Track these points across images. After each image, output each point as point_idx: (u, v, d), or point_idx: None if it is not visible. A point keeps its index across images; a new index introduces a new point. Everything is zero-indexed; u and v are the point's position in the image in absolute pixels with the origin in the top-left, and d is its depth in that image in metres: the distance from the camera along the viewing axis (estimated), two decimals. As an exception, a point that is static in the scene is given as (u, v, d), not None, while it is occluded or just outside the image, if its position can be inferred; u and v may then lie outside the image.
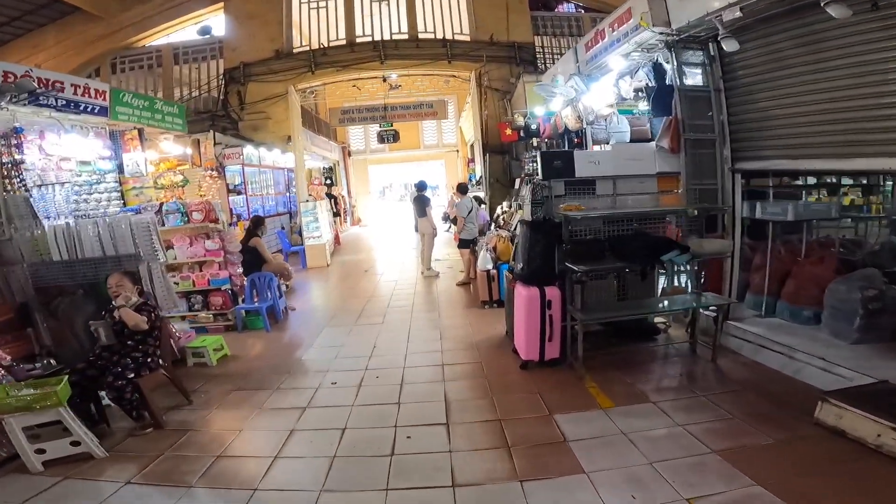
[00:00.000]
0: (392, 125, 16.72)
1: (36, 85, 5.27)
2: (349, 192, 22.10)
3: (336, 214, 19.50)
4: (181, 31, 15.42)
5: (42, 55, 14.81)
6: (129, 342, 3.92)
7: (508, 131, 11.70)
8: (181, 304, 6.58)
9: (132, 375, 3.74)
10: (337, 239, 15.19)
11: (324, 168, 21.15)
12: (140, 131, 7.04)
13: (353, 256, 12.83)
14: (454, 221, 15.62)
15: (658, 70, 5.25)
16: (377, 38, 14.34)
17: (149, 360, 3.96)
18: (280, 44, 14.22)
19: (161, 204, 6.41)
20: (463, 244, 8.40)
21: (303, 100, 15.71)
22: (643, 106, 6.47)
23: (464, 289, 8.23)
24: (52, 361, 4.40)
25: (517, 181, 10.19)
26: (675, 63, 4.90)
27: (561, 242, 4.17)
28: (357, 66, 14.52)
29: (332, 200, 19.32)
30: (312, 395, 4.44)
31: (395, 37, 14.38)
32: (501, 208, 9.49)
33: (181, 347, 5.45)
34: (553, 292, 4.28)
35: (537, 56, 14.60)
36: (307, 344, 5.94)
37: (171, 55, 15.07)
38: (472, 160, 20.35)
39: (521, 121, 10.28)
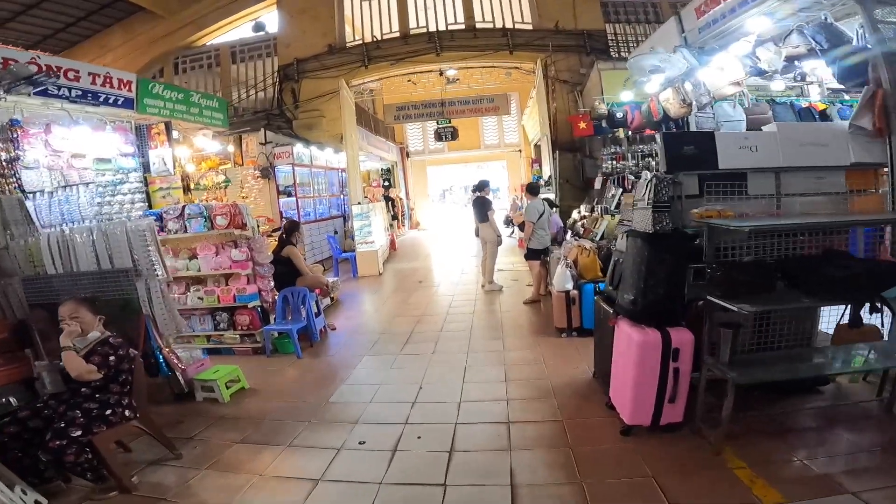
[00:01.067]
0: (450, 121, 15.59)
1: (34, 70, 4.50)
2: (407, 195, 21.21)
3: (394, 218, 18.66)
4: (237, 29, 15.13)
5: (110, 56, 14.96)
6: (82, 389, 2.93)
7: (582, 125, 10.20)
8: (206, 323, 5.71)
9: (78, 433, 2.74)
10: (392, 244, 14.23)
11: (382, 169, 20.40)
12: (167, 125, 6.25)
13: (408, 264, 11.75)
14: (520, 227, 14.28)
15: (831, 31, 3.70)
16: (432, 29, 13.37)
17: (109, 411, 2.95)
18: (332, 38, 13.52)
19: (183, 207, 5.53)
20: (532, 254, 7.04)
21: (357, 97, 14.93)
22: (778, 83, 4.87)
23: (532, 308, 6.88)
24: (11, 400, 3.51)
25: (597, 181, 8.69)
26: (868, 19, 3.34)
27: (695, 264, 2.77)
28: (412, 60, 13.56)
29: (390, 203, 18.51)
30: (331, 461, 3.28)
31: (450, 27, 13.41)
32: (579, 213, 8.03)
33: (189, 379, 4.50)
34: (682, 336, 2.88)
35: (610, 45, 13.09)
36: (340, 378, 4.82)
37: (228, 54, 14.82)
38: (537, 160, 19.05)
39: (602, 109, 8.77)
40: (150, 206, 6.13)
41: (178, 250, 5.81)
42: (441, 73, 14.59)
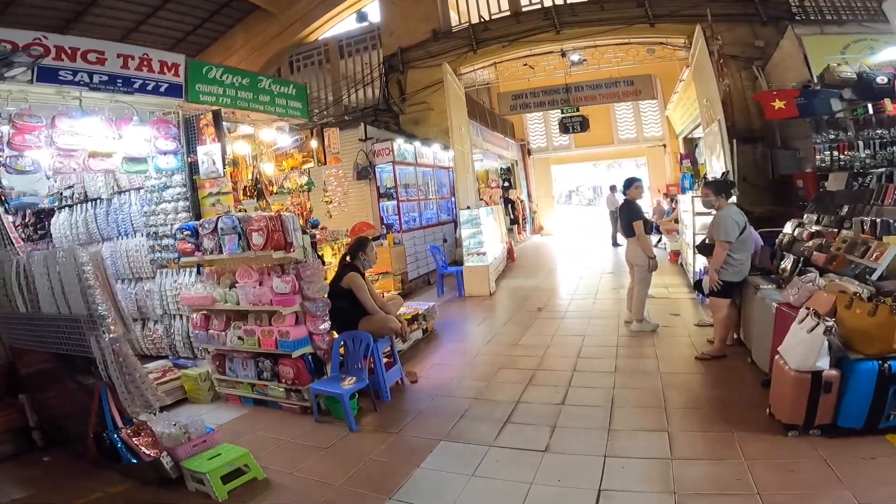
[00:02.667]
0: (578, 109, 13.15)
1: (9, 48, 3.37)
2: (530, 196, 19.03)
3: (514, 222, 16.65)
4: (343, 23, 14.40)
5: (235, 57, 15.21)
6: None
7: (778, 104, 7.46)
8: (249, 369, 4.29)
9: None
10: (511, 254, 12.23)
11: (501, 169, 18.51)
12: (215, 115, 4.98)
13: (527, 281, 9.66)
14: (655, 229, 11.48)
15: None
16: (548, 3, 11.17)
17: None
18: (436, 23, 12.02)
19: (217, 219, 4.15)
20: (724, 290, 4.53)
21: (468, 86, 13.23)
22: None
23: (713, 368, 4.46)
24: None
25: (836, 179, 5.96)
26: None
27: None
28: (526, 40, 11.57)
29: (510, 206, 16.54)
30: None
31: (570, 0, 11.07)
32: (799, 227, 5.26)
33: (176, 464, 3.01)
34: None
35: (794, 10, 9.94)
36: (391, 485, 3.01)
37: (336, 49, 14.18)
38: (687, 156, 15.90)
39: (846, 72, 6.16)
40: (197, 217, 4.91)
41: (222, 273, 4.48)
42: (563, 55, 12.28)
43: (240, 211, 5.12)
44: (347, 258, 4.64)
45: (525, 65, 12.65)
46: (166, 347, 5.31)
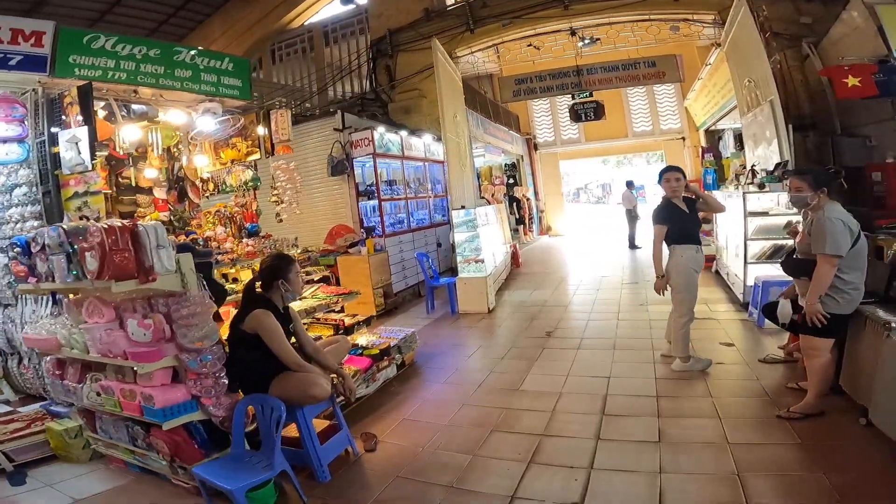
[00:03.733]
0: (591, 95, 11.66)
1: None
2: (537, 194, 17.58)
3: (519, 222, 15.24)
4: (328, 7, 13.01)
5: (214, 47, 13.97)
6: None
7: (851, 81, 6.03)
8: (121, 432, 2.91)
9: None
10: (515, 258, 10.80)
11: (505, 164, 17.09)
12: (83, 90, 3.60)
13: (535, 292, 8.20)
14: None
15: None
16: None
17: None
18: (429, 1, 10.58)
19: (45, 232, 2.75)
20: (831, 327, 3.01)
21: (465, 71, 11.82)
22: None
23: (805, 431, 3.00)
24: None
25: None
26: None
27: None
28: (530, 17, 10.11)
29: (515, 204, 15.12)
30: None
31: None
32: None
33: None
34: None
35: None
36: None
37: (321, 35, 12.84)
38: (709, 149, 14.57)
39: None
40: (53, 220, 3.54)
41: (80, 304, 3.09)
42: (573, 34, 10.82)
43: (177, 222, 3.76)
44: (257, 287, 3.19)
45: (530, 45, 11.20)
46: (40, 389, 3.96)
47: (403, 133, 8.81)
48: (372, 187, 7.99)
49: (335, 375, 3.15)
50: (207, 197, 5.87)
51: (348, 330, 4.80)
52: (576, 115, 11.92)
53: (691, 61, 12.87)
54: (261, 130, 5.50)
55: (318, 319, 4.80)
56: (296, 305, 4.61)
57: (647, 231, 14.10)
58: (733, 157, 12.63)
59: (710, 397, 3.71)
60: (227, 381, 2.80)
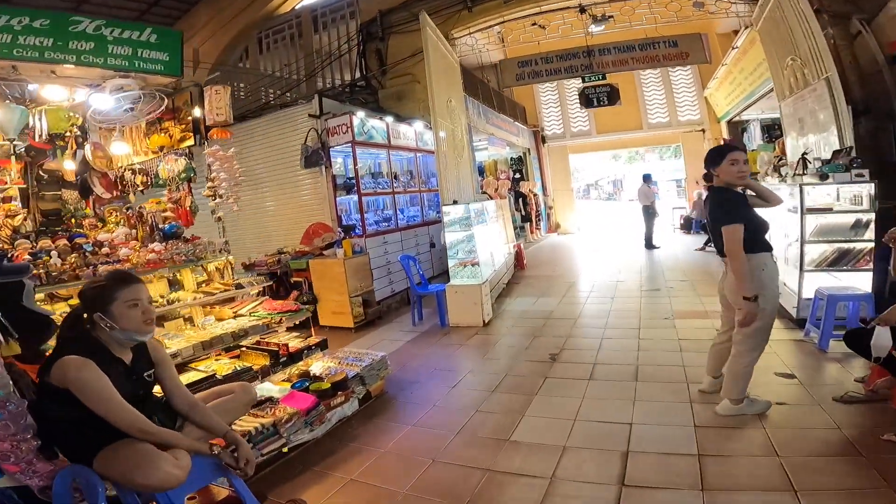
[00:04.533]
0: (604, 77, 10.55)
1: None
2: (545, 189, 16.50)
3: (526, 219, 14.19)
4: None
5: (198, 37, 13.21)
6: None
7: None
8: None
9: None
10: (520, 259, 9.78)
11: (511, 159, 16.05)
12: None
13: (540, 300, 7.14)
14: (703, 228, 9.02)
15: None
16: None
17: None
18: (422, -24, 9.61)
19: None
20: None
21: (471, 66, 10.81)
22: None
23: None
24: None
25: None
26: None
27: None
28: (532, -7, 9.04)
29: (521, 200, 14.07)
30: None
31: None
32: None
33: None
34: None
35: None
36: None
37: (309, 21, 11.83)
38: (731, 142, 13.37)
39: None
40: None
41: None
42: (582, 11, 9.72)
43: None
44: (70, 322, 2.15)
45: (534, 24, 10.12)
46: None
47: (389, 119, 7.79)
48: (351, 180, 7.00)
49: (217, 445, 2.14)
50: (142, 191, 4.93)
51: (295, 356, 3.80)
52: (587, 100, 10.80)
53: (711, 49, 11.74)
54: (197, 112, 4.52)
55: (259, 343, 3.81)
56: (223, 327, 3.63)
57: (664, 229, 13.01)
58: (761, 148, 11.51)
59: (774, 455, 2.66)
60: (38, 443, 1.81)
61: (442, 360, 4.96)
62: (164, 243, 3.56)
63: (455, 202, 6.77)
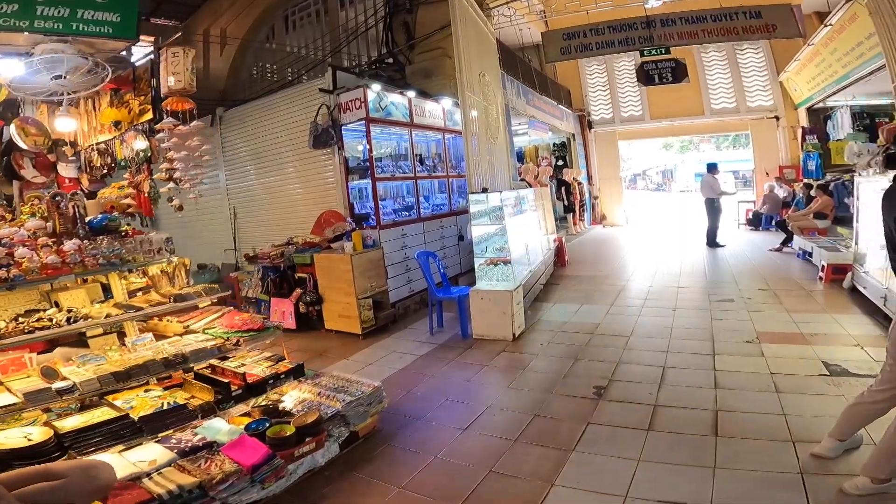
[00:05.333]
0: (668, 51, 9.18)
1: None
2: (590, 178, 15.19)
3: (568, 209, 12.96)
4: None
5: (224, 19, 12.71)
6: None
7: None
8: None
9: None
10: (561, 254, 8.68)
11: (554, 144, 14.81)
12: None
13: (583, 307, 6.02)
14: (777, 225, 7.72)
15: None
16: None
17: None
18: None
19: None
20: None
21: (508, 40, 9.65)
22: None
23: None
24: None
25: None
26: None
27: None
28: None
29: (564, 189, 12.84)
30: None
31: None
32: None
33: None
34: None
35: None
36: None
37: (336, -6, 10.98)
38: (812, 130, 12.25)
39: None
40: None
41: None
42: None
43: None
44: None
45: (582, -11, 8.84)
46: None
47: (412, 94, 6.79)
48: (366, 163, 6.08)
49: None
50: (103, 177, 4.18)
51: (255, 388, 2.90)
52: (646, 76, 9.41)
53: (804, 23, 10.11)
54: (171, 81, 3.68)
55: (214, 368, 2.94)
56: (157, 349, 2.78)
57: (726, 225, 11.47)
58: (851, 137, 9.86)
59: None
60: None
61: (457, 386, 3.99)
62: (83, 241, 2.73)
63: (485, 190, 5.74)
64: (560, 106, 13.60)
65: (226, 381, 2.75)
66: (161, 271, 3.14)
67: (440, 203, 7.62)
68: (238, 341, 2.89)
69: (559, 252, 8.78)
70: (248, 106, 7.64)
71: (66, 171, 4.64)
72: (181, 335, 3.01)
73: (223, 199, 8.18)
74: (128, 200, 3.72)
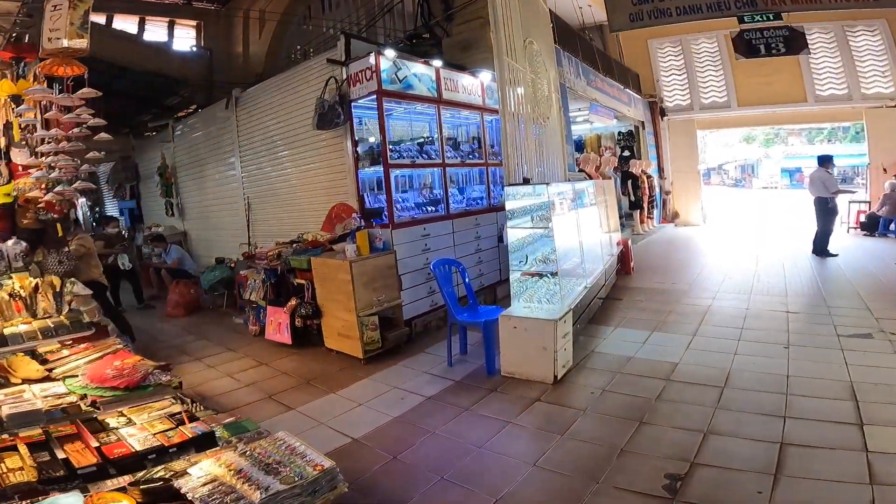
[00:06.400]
0: (779, 16, 7.40)
1: None
2: (661, 171, 13.39)
3: (635, 205, 11.30)
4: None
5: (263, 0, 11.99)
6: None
7: None
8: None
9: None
10: (626, 259, 7.24)
11: (620, 133, 13.16)
12: None
13: (653, 335, 4.57)
14: None
15: None
16: None
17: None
18: None
19: None
20: None
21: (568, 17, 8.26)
22: None
23: None
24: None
25: None
26: None
27: None
28: None
29: (630, 182, 11.19)
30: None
31: None
32: None
33: None
34: None
35: None
36: None
37: (374, -30, 10.03)
38: None
39: None
40: None
41: None
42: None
43: None
44: None
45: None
46: None
47: (438, 64, 5.56)
48: (376, 147, 4.96)
49: None
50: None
51: (125, 465, 1.84)
52: (748, 47, 7.56)
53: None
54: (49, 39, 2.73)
55: (50, 431, 1.91)
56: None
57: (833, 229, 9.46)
58: None
59: None
60: None
61: (464, 455, 2.77)
62: None
63: (526, 181, 4.47)
64: (627, 90, 11.95)
65: (73, 455, 1.71)
66: (10, 294, 2.20)
67: (477, 196, 6.39)
68: (95, 403, 1.86)
69: (623, 257, 7.32)
70: (262, 85, 6.77)
71: (19, 157, 3.88)
72: (34, 382, 2.02)
73: (238, 188, 7.41)
74: (35, 193, 2.90)
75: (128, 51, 9.74)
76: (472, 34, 7.28)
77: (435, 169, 5.62)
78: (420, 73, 5.24)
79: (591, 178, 7.95)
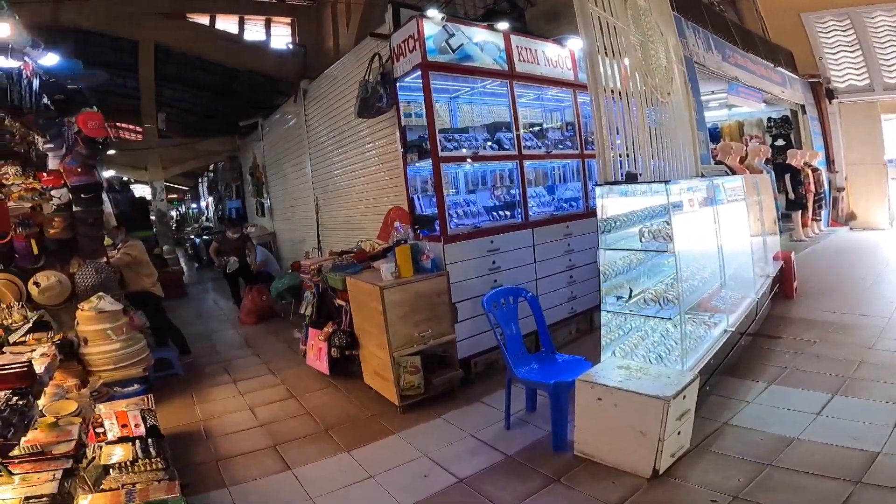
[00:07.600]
0: None
1: None
2: (830, 164, 10.66)
3: (795, 205, 8.89)
4: None
5: None
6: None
7: None
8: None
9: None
10: (786, 281, 5.36)
11: (770, 120, 10.75)
12: None
13: (832, 400, 2.92)
14: None
15: None
16: None
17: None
18: None
19: None
20: None
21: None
22: None
23: None
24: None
25: None
26: None
27: None
28: None
29: (789, 177, 8.82)
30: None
31: None
32: None
33: None
34: None
35: None
36: None
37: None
38: None
39: None
40: None
41: None
42: None
43: None
44: None
45: None
46: None
47: (504, 27, 4.33)
48: (423, 137, 3.90)
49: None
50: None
51: None
52: None
53: None
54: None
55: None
56: None
57: None
58: None
59: None
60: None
61: None
62: None
63: (632, 177, 3.14)
64: (778, 68, 9.63)
65: None
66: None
67: (571, 197, 5.07)
68: None
69: (783, 276, 5.42)
70: (324, 74, 6.11)
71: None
72: None
73: (308, 187, 6.93)
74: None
75: (232, 51, 10.05)
76: (558, 0, 5.96)
77: (509, 163, 4.44)
78: (482, 40, 4.10)
79: (733, 172, 6.12)
